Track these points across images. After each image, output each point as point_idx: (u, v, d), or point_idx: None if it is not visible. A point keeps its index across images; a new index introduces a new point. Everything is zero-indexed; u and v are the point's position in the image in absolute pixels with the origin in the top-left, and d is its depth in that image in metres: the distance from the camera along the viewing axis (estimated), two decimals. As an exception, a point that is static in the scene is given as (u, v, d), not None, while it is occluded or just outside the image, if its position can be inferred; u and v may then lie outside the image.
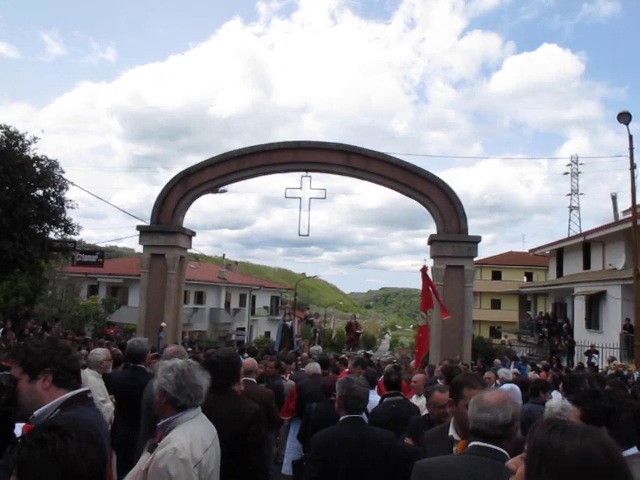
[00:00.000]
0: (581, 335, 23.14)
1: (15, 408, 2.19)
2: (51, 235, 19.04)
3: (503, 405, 2.33)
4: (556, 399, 5.31)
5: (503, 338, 35.13)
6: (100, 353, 6.21)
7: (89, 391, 2.34)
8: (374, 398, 5.68)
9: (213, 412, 3.02)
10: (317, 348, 17.37)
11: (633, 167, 15.95)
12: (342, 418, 3.50)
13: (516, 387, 7.47)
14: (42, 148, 45.39)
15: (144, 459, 2.55)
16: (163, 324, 17.68)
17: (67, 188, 18.58)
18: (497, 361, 16.04)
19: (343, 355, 15.49)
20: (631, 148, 16.12)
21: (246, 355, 12.21)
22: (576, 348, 22.47)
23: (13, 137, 17.32)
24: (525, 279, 42.92)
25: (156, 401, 2.68)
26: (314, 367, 7.49)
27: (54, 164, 18.13)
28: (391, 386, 5.53)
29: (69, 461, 1.42)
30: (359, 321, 33.04)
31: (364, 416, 3.78)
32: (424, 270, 13.45)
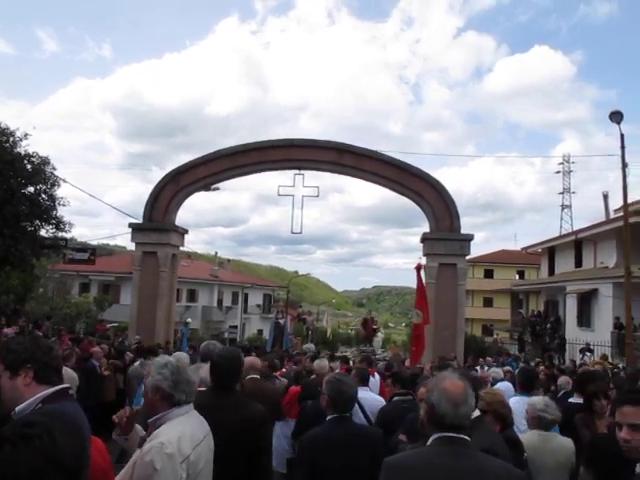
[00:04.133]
0: (573, 333, 23.29)
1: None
2: (42, 232, 18.83)
3: (470, 394, 2.26)
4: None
5: (495, 336, 35.30)
6: None
7: (70, 388, 2.38)
8: (364, 394, 5.57)
9: (217, 413, 2.99)
10: (310, 346, 17.30)
11: (625, 166, 16.00)
12: (329, 417, 3.52)
13: (510, 385, 7.42)
14: (35, 145, 44.89)
15: (136, 454, 2.54)
16: (188, 320, 17.49)
17: (59, 185, 18.38)
18: (489, 359, 16.03)
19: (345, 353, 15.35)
20: (622, 147, 16.16)
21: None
22: (567, 346, 22.61)
23: (4, 134, 17.11)
24: (517, 277, 43.10)
25: (148, 398, 2.66)
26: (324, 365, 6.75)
27: (45, 161, 17.94)
28: (402, 385, 5.41)
29: (57, 454, 1.40)
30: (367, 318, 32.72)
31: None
32: (418, 268, 13.42)
